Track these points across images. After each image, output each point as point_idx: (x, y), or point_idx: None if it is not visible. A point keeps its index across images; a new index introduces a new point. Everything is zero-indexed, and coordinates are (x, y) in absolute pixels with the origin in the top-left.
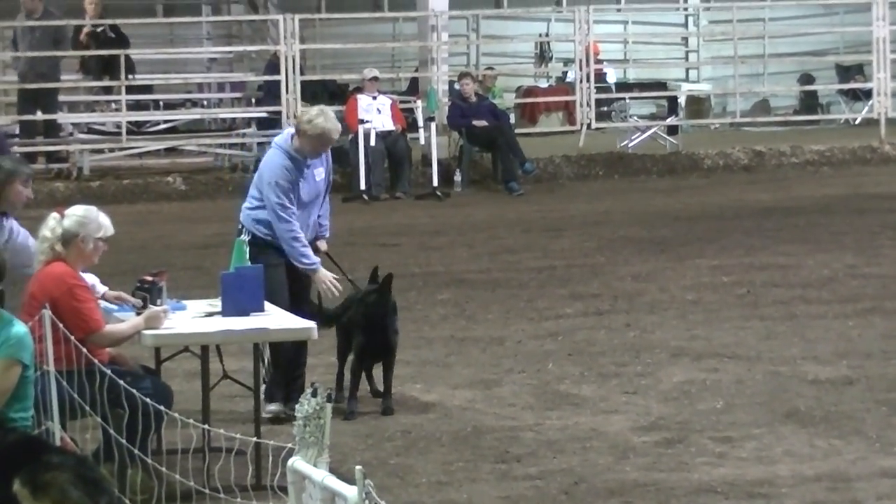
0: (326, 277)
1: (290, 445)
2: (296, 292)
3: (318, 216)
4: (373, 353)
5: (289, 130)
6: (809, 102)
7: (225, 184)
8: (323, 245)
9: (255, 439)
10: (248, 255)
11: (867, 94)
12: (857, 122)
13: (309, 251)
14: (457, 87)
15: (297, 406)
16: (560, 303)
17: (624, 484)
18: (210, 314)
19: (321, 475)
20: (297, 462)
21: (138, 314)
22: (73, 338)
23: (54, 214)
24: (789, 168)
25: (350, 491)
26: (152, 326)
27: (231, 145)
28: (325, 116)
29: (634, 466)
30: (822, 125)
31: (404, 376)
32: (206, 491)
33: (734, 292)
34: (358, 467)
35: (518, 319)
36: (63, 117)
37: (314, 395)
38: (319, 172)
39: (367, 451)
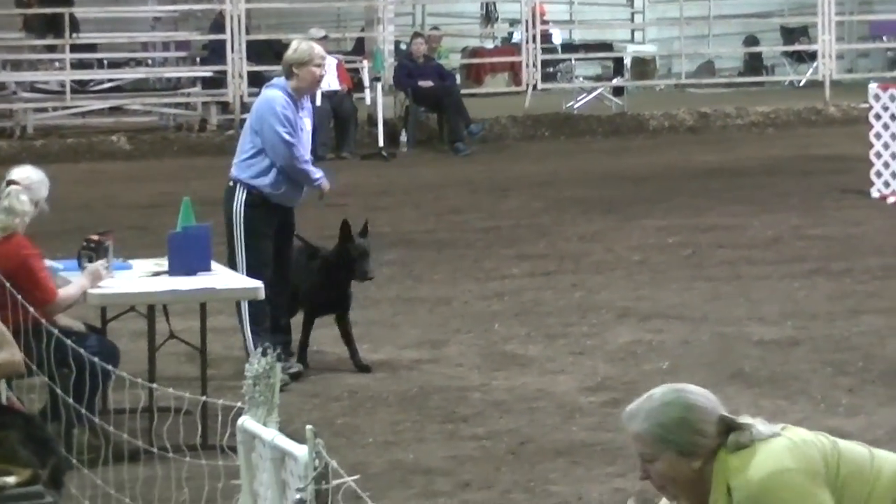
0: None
1: (238, 405)
2: (280, 262)
3: None
4: (330, 306)
5: (279, 78)
6: (754, 64)
7: (170, 143)
8: None
9: (202, 398)
10: (242, 217)
11: (812, 56)
12: (801, 83)
13: (315, 170)
14: (403, 47)
15: (246, 366)
16: (506, 263)
17: (571, 444)
18: (156, 274)
19: (271, 434)
20: (246, 421)
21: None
22: (20, 297)
23: (16, 188)
24: (734, 129)
25: (300, 450)
26: (96, 282)
27: (176, 105)
28: (307, 42)
29: (581, 426)
30: (767, 87)
31: None
32: (154, 450)
33: (680, 253)
34: (309, 427)
35: (465, 280)
36: (6, 76)
37: (264, 354)
38: (308, 123)
39: (313, 411)
